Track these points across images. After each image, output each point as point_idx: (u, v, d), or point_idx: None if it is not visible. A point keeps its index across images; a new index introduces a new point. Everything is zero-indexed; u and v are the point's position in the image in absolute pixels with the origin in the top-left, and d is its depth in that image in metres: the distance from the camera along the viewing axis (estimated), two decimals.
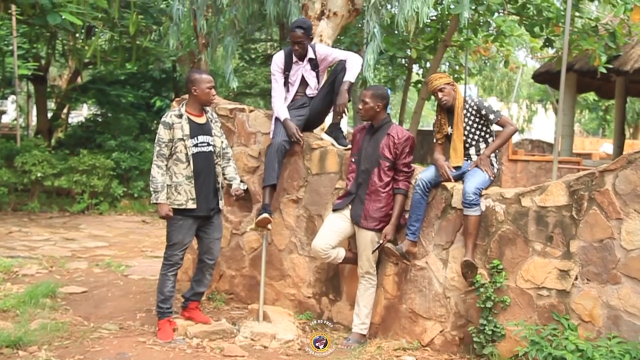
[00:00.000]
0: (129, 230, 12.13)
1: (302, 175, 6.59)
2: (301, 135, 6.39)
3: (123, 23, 13.94)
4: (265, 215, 6.15)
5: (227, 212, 7.08)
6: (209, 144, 5.93)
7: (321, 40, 9.92)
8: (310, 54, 6.53)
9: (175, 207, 5.79)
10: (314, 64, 6.56)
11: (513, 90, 35.67)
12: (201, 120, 5.96)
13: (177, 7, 11.25)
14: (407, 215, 5.79)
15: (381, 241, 5.72)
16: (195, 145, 5.84)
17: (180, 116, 5.85)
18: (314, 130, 6.89)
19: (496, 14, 14.06)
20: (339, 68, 6.36)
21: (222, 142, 6.12)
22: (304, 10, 10.39)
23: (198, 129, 5.89)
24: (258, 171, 6.87)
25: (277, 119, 6.45)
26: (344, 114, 6.30)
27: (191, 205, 5.80)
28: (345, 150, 6.39)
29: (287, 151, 6.40)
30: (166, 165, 5.80)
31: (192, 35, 14.67)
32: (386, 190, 5.74)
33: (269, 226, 6.27)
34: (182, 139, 5.78)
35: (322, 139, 6.61)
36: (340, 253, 6.00)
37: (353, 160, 5.99)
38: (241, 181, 6.34)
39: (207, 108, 6.07)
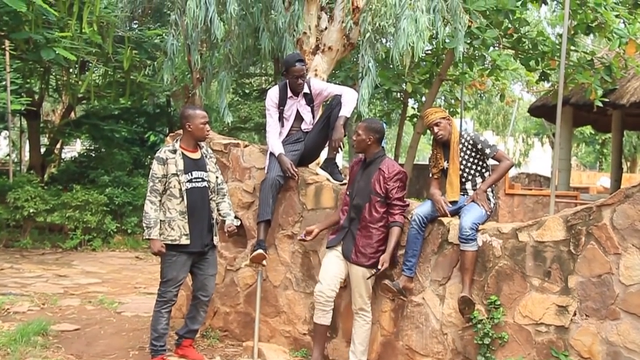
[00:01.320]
0: (122, 266, 12.09)
1: (297, 210, 6.60)
2: (296, 170, 6.41)
3: (117, 58, 14.02)
4: (260, 251, 6.15)
5: (222, 248, 7.06)
6: (203, 180, 5.98)
7: (316, 75, 10.00)
8: (305, 89, 6.58)
9: (169, 242, 5.82)
10: (309, 99, 6.61)
11: (509, 124, 35.86)
12: (195, 155, 6.01)
13: (171, 42, 11.32)
14: (402, 252, 5.78)
15: (379, 267, 5.66)
16: (190, 181, 5.89)
17: (175, 151, 5.92)
18: (309, 165, 6.91)
19: (491, 48, 14.18)
20: (334, 103, 6.40)
21: (216, 177, 6.16)
22: (299, 45, 10.49)
23: (192, 165, 5.94)
24: (253, 206, 6.87)
25: (271, 154, 6.47)
26: (339, 149, 6.33)
27: (185, 240, 5.83)
28: (341, 185, 6.41)
29: (281, 186, 6.41)
30: (160, 200, 5.85)
31: (186, 70, 14.75)
32: (377, 226, 5.71)
33: (264, 262, 6.27)
34: (176, 174, 5.83)
35: (317, 174, 6.62)
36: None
37: (347, 193, 6.00)
38: (235, 217, 6.34)
39: (202, 144, 6.13)
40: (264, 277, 6.73)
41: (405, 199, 5.85)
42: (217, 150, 7.05)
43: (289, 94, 6.58)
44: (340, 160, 31.75)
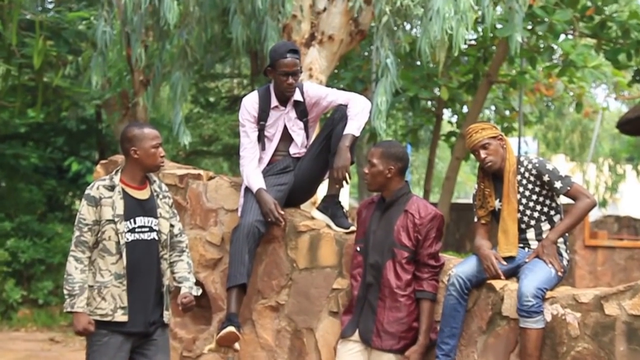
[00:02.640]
0: (30, 353, 12.03)
1: (284, 270, 6.61)
2: (282, 212, 6.42)
3: (24, 52, 14.07)
4: (231, 329, 6.15)
5: (176, 326, 7.06)
6: (151, 229, 5.82)
7: (311, 76, 10.05)
8: (297, 96, 6.60)
9: (98, 318, 5.68)
10: (302, 111, 6.64)
11: (589, 145, 35.93)
12: (142, 194, 5.84)
13: (102, 30, 11.35)
14: (437, 328, 5.78)
15: None
16: (132, 231, 5.73)
17: (112, 188, 5.73)
18: (302, 206, 6.93)
19: (562, 37, 14.26)
20: (338, 116, 6.44)
21: (171, 226, 5.98)
22: (286, 33, 10.54)
23: (137, 208, 5.78)
24: (220, 265, 6.88)
25: (247, 189, 6.50)
26: (344, 182, 6.35)
27: (121, 317, 5.68)
28: (347, 233, 6.43)
29: (262, 236, 6.43)
30: (89, 257, 5.71)
31: (124, 70, 14.84)
32: (407, 293, 5.70)
33: (237, 345, 6.26)
34: (112, 221, 5.67)
35: (313, 218, 6.65)
36: None
37: (358, 249, 5.98)
38: (196, 283, 6.29)
39: (153, 177, 5.98)
40: None
41: (439, 256, 5.85)
42: (169, 185, 7.07)
43: (274, 102, 6.60)
44: (346, 198, 31.79)
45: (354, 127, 6.33)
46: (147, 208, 5.80)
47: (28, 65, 14.38)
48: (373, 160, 5.84)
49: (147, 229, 5.77)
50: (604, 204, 38.53)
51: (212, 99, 21.71)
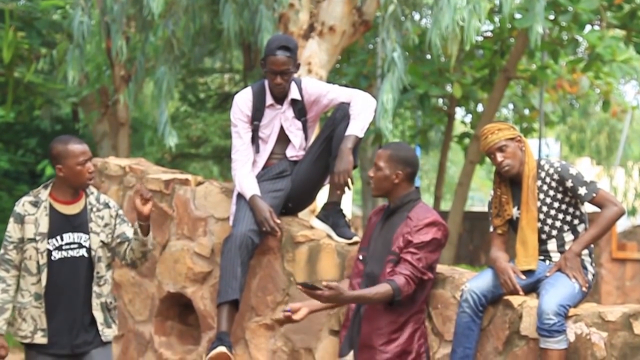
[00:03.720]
0: None
1: (280, 285, 6.64)
2: (278, 221, 6.43)
3: None
4: (222, 349, 6.16)
5: (162, 346, 7.09)
6: (81, 246, 5.94)
7: (310, 72, 10.07)
8: (294, 94, 6.62)
9: (20, 339, 5.90)
10: (300, 109, 6.66)
11: (617, 147, 35.96)
12: (72, 209, 5.97)
13: (79, 20, 11.38)
14: (448, 350, 5.79)
15: None
16: (59, 248, 5.86)
17: (37, 204, 5.91)
18: (300, 214, 6.95)
19: (588, 28, 14.28)
20: (339, 115, 6.46)
21: (109, 237, 6.05)
22: (282, 24, 10.56)
23: (64, 224, 5.92)
24: (210, 279, 6.91)
25: (240, 195, 6.52)
26: (347, 188, 6.36)
27: (40, 338, 5.85)
28: (350, 244, 6.44)
29: (255, 247, 6.44)
30: (16, 276, 5.88)
31: (103, 64, 14.87)
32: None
33: None
34: (34, 240, 5.83)
35: (312, 227, 6.67)
36: None
37: (361, 257, 5.95)
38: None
39: (91, 189, 6.08)
40: None
41: (430, 265, 5.67)
42: (153, 191, 7.10)
43: (269, 100, 6.63)
44: (349, 205, 31.80)
45: (357, 127, 6.34)
46: (76, 224, 5.93)
47: None
48: (380, 163, 5.78)
49: (76, 246, 5.90)
50: (633, 212, 38.40)
51: (201, 96, 21.74)
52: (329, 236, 6.53)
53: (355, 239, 6.39)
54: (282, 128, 6.63)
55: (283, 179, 6.62)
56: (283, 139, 6.66)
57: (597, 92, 18.07)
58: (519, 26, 11.50)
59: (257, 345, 6.71)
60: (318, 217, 6.68)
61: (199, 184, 7.13)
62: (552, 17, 13.10)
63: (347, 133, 6.31)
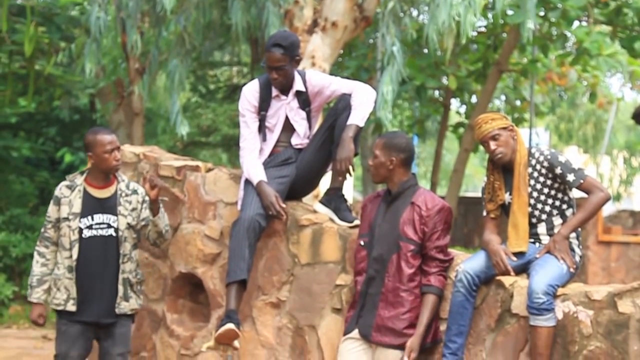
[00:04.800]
0: (23, 351, 12.05)
1: (285, 266, 6.63)
2: (283, 205, 6.43)
3: (14, 39, 14.07)
4: (231, 326, 6.15)
5: (174, 323, 7.08)
6: (109, 226, 6.34)
7: (314, 64, 10.06)
8: (299, 85, 6.61)
9: (55, 307, 6.30)
10: (304, 100, 6.64)
11: (603, 137, 35.92)
12: (104, 193, 6.40)
13: (96, 15, 11.39)
14: (443, 327, 5.79)
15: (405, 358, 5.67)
16: (90, 227, 6.29)
17: (72, 188, 6.36)
18: (304, 199, 6.94)
19: (576, 23, 14.27)
20: (341, 106, 6.43)
21: (135, 220, 6.44)
22: (288, 20, 10.56)
23: (95, 206, 6.34)
24: (219, 260, 6.90)
25: (247, 181, 6.51)
26: (348, 175, 6.35)
27: (71, 306, 6.26)
28: (351, 227, 6.43)
29: (262, 230, 6.44)
30: (54, 252, 6.36)
31: (119, 57, 14.85)
32: (410, 288, 5.71)
33: (236, 343, 6.27)
34: (67, 219, 6.27)
35: (315, 211, 6.66)
36: None
37: (362, 243, 5.99)
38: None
39: (122, 177, 6.53)
40: None
41: (448, 251, 5.87)
42: (166, 177, 7.10)
43: (274, 91, 6.61)
44: (350, 191, 31.79)
45: (357, 117, 6.33)
46: (106, 206, 6.37)
47: (19, 53, 14.39)
48: (376, 151, 5.90)
49: (105, 226, 6.33)
50: (618, 198, 38.44)
51: (211, 88, 21.70)
52: (331, 220, 6.53)
53: (356, 222, 6.37)
54: (287, 118, 6.61)
55: (288, 165, 6.61)
56: (288, 128, 6.65)
57: (585, 84, 18.05)
58: (511, 22, 11.47)
59: (263, 322, 6.71)
60: (321, 201, 6.67)
61: (208, 170, 7.12)
62: (542, 13, 13.08)
63: (348, 122, 6.31)
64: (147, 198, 6.39)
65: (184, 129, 11.57)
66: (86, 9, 13.17)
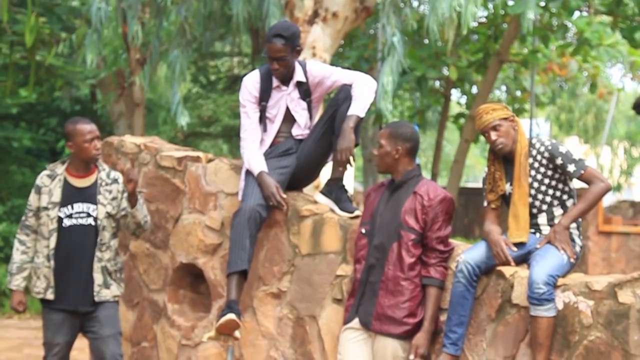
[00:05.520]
0: (24, 341, 12.07)
1: (286, 256, 6.63)
2: (284, 196, 6.43)
3: (15, 29, 14.06)
4: (232, 316, 6.15)
5: (175, 314, 7.09)
6: (89, 215, 6.43)
7: (314, 55, 10.05)
8: (299, 76, 6.61)
9: (36, 296, 6.47)
10: (305, 91, 6.64)
11: (604, 127, 35.92)
12: (84, 182, 6.48)
13: (97, 6, 11.38)
14: (443, 318, 5.80)
15: (411, 356, 5.69)
16: (69, 216, 6.39)
17: (52, 177, 6.45)
18: (305, 190, 6.94)
19: (577, 14, 14.24)
20: (342, 96, 6.43)
21: (114, 209, 6.50)
22: (288, 10, 10.55)
23: (75, 195, 6.43)
24: (220, 251, 6.91)
25: (248, 172, 6.51)
26: (348, 165, 6.35)
27: (49, 295, 6.39)
28: (352, 218, 6.43)
29: (263, 221, 6.44)
30: (34, 240, 6.46)
31: (120, 48, 14.85)
32: (410, 277, 5.72)
33: (237, 333, 6.27)
34: (47, 208, 6.37)
35: (316, 202, 6.66)
36: None
37: (363, 231, 6.00)
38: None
39: (103, 166, 6.61)
40: (237, 356, 6.74)
41: (449, 242, 5.87)
42: (166, 167, 7.10)
43: (275, 82, 6.61)
44: (350, 181, 31.81)
45: (358, 107, 6.33)
46: (86, 195, 6.46)
47: (20, 43, 14.38)
48: (381, 141, 5.91)
49: (84, 215, 6.42)
50: (618, 188, 38.46)
51: (211, 79, 21.69)
52: (332, 210, 6.53)
53: (357, 213, 6.39)
54: (287, 108, 6.62)
55: (289, 156, 6.61)
56: (289, 118, 6.65)
57: (585, 74, 18.00)
58: (511, 12, 11.45)
59: (264, 312, 6.72)
60: (322, 192, 6.67)
61: (209, 161, 7.12)
62: (542, 3, 13.06)
63: (349, 113, 6.31)
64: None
65: (184, 120, 11.57)
66: None
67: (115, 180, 6.52)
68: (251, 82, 6.63)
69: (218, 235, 6.93)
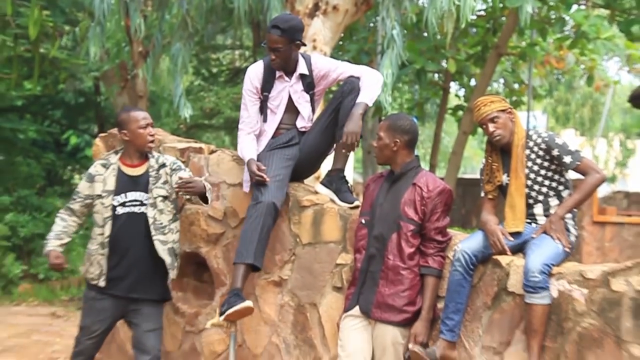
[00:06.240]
0: (32, 328, 12.09)
1: (287, 245, 6.67)
2: (263, 168, 6.40)
3: (19, 22, 14.06)
4: (249, 304, 6.07)
5: (179, 301, 7.12)
6: (142, 204, 6.39)
7: (315, 48, 10.05)
8: (302, 69, 6.63)
9: (89, 281, 6.44)
10: (308, 84, 6.66)
11: (600, 119, 35.92)
12: (137, 171, 6.46)
13: None
14: (441, 305, 5.84)
15: (410, 344, 5.74)
16: (123, 205, 6.35)
17: (107, 166, 6.43)
18: (306, 180, 6.97)
19: (574, 7, 14.25)
20: (347, 89, 6.45)
21: (166, 191, 6.45)
22: (289, 3, 10.55)
23: (129, 184, 6.41)
24: (222, 240, 6.94)
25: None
26: (353, 148, 6.37)
27: (102, 282, 6.36)
28: (352, 208, 6.47)
29: (278, 213, 6.44)
30: (75, 221, 6.51)
31: (123, 40, 14.87)
32: (409, 266, 5.77)
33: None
34: (100, 196, 6.35)
35: (316, 192, 6.70)
36: None
37: (363, 221, 6.04)
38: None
39: (155, 154, 6.54)
40: (240, 343, 6.79)
41: (447, 232, 5.92)
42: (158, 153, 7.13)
43: (278, 73, 6.64)
44: (350, 173, 31.81)
45: (367, 96, 6.38)
46: (139, 183, 6.42)
47: (23, 36, 14.37)
48: (380, 133, 5.95)
49: (137, 203, 6.39)
50: (613, 179, 38.51)
51: (213, 71, 21.68)
52: (332, 200, 6.57)
53: (357, 203, 6.43)
54: (290, 100, 6.65)
55: (292, 147, 6.62)
56: (292, 110, 6.68)
57: (582, 67, 18.02)
58: (509, 5, 11.45)
59: (266, 300, 6.76)
60: (322, 183, 6.71)
61: (212, 152, 7.16)
62: None
63: (358, 100, 6.35)
64: (175, 165, 6.48)
65: (187, 112, 11.60)
66: None
67: (163, 165, 6.50)
68: (254, 73, 6.66)
69: (221, 225, 6.97)
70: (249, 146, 6.58)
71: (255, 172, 6.37)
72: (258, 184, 6.41)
